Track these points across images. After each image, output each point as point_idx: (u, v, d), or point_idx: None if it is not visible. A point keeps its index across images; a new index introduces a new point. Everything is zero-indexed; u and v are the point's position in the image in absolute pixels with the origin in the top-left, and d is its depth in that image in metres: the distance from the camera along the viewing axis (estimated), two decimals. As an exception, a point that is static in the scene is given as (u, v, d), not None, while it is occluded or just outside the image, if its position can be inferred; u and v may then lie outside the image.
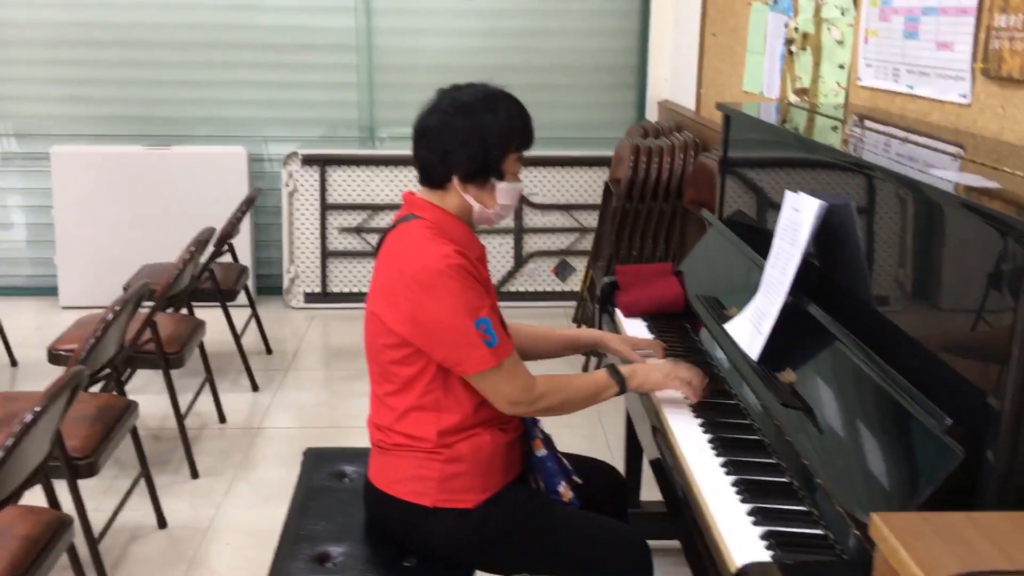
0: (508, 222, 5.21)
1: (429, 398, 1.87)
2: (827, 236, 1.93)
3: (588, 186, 5.23)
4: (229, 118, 5.27)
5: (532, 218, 5.25)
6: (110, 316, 2.46)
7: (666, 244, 4.23)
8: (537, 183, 5.22)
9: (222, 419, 3.75)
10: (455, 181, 1.88)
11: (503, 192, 1.91)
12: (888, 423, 1.51)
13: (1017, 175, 1.59)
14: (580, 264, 5.26)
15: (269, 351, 4.51)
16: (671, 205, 4.14)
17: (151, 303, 3.20)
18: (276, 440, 3.62)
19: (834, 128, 2.40)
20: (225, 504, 3.13)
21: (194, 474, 3.31)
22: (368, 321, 1.92)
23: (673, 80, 5.03)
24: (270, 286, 5.30)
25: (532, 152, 5.80)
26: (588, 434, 3.63)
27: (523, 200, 5.18)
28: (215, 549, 2.89)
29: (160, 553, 2.86)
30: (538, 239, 5.28)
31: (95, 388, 2.97)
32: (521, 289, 5.30)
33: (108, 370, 2.84)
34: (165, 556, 2.85)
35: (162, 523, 2.99)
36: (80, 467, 2.46)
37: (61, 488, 2.36)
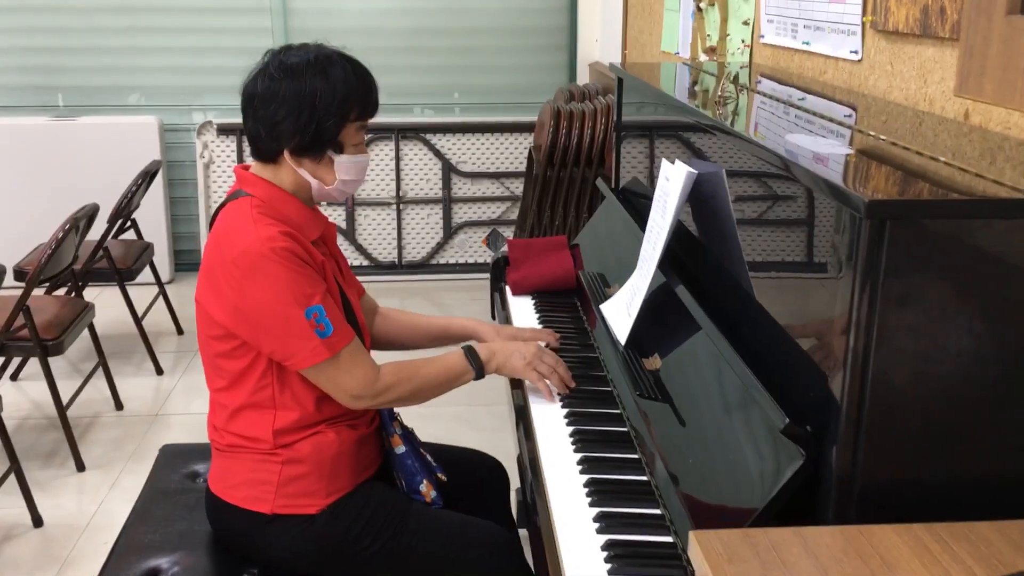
0: (436, 192, 5.02)
1: (263, 395, 1.70)
2: (701, 207, 1.77)
3: (518, 153, 5.05)
4: (139, 86, 5.03)
5: (461, 187, 5.06)
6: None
7: (589, 214, 4.06)
8: (465, 150, 5.02)
9: (118, 406, 3.56)
10: (286, 155, 1.69)
11: (343, 166, 1.72)
12: (739, 419, 1.35)
13: (880, 141, 1.43)
14: (512, 234, 5.08)
15: (180, 331, 4.30)
16: (593, 172, 3.97)
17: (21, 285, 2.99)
18: (175, 427, 3.44)
19: (720, 91, 2.23)
20: (109, 499, 2.95)
21: (80, 467, 3.12)
22: (197, 310, 1.74)
23: (603, 41, 4.84)
24: (190, 262, 5.09)
25: (460, 118, 5.65)
26: (493, 421, 3.48)
27: (451, 168, 5.00)
28: (91, 548, 2.71)
29: (31, 554, 2.69)
30: (468, 208, 5.10)
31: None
32: (451, 261, 5.12)
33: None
34: (37, 557, 2.67)
35: (37, 521, 2.81)
36: (-78, 469, 2.27)
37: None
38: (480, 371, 1.82)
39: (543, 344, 1.98)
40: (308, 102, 1.65)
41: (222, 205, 1.75)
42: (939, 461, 1.13)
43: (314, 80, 1.65)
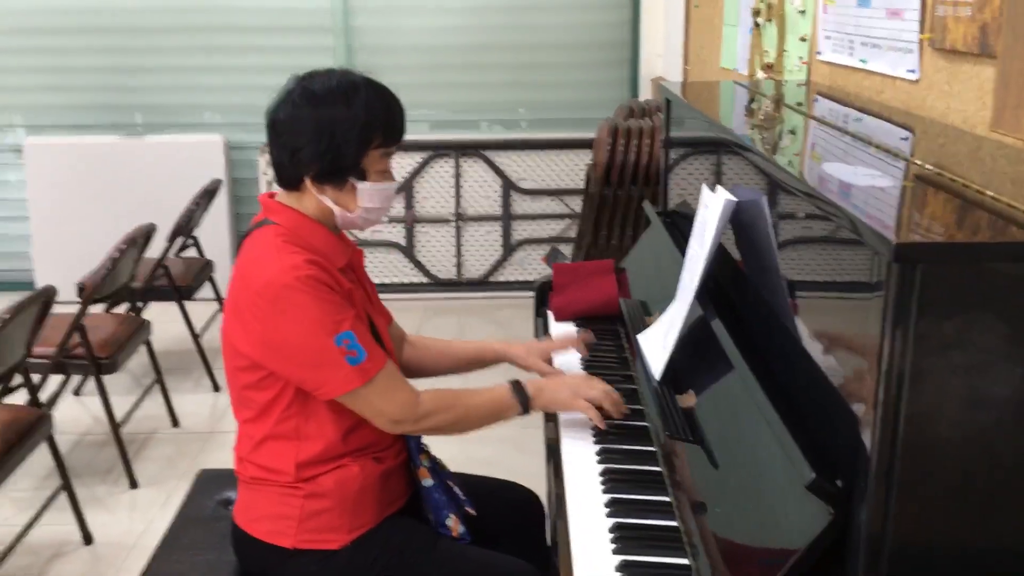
0: (496, 209, 4.99)
1: (287, 425, 1.67)
2: (742, 236, 1.69)
3: (579, 170, 4.98)
4: (206, 105, 5.11)
5: (521, 204, 5.02)
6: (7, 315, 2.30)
7: (646, 232, 3.97)
8: (526, 168, 4.98)
9: (175, 423, 3.60)
10: (308, 182, 1.66)
11: (366, 194, 1.68)
12: (768, 469, 1.27)
13: (930, 170, 1.34)
14: (571, 252, 5.02)
15: (240, 348, 4.33)
16: (651, 191, 3.88)
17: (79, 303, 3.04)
18: (228, 445, 3.41)
19: (770, 113, 2.14)
20: (159, 518, 2.97)
21: (132, 484, 3.16)
22: (223, 341, 1.72)
23: (665, 56, 4.75)
24: (253, 278, 5.13)
25: (520, 135, 5.59)
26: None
27: (511, 185, 4.96)
28: (139, 567, 2.70)
29: (80, 571, 2.71)
30: (527, 226, 5.05)
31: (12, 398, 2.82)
32: (510, 279, 5.08)
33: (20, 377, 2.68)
34: (85, 574, 2.70)
35: (88, 538, 2.84)
36: (-29, 488, 2.30)
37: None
38: (526, 406, 1.76)
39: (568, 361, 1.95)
40: (327, 129, 1.62)
41: (247, 233, 1.73)
42: (978, 523, 1.04)
43: (335, 107, 1.63)
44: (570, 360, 2.07)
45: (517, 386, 1.78)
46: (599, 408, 1.75)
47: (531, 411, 1.79)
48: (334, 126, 1.61)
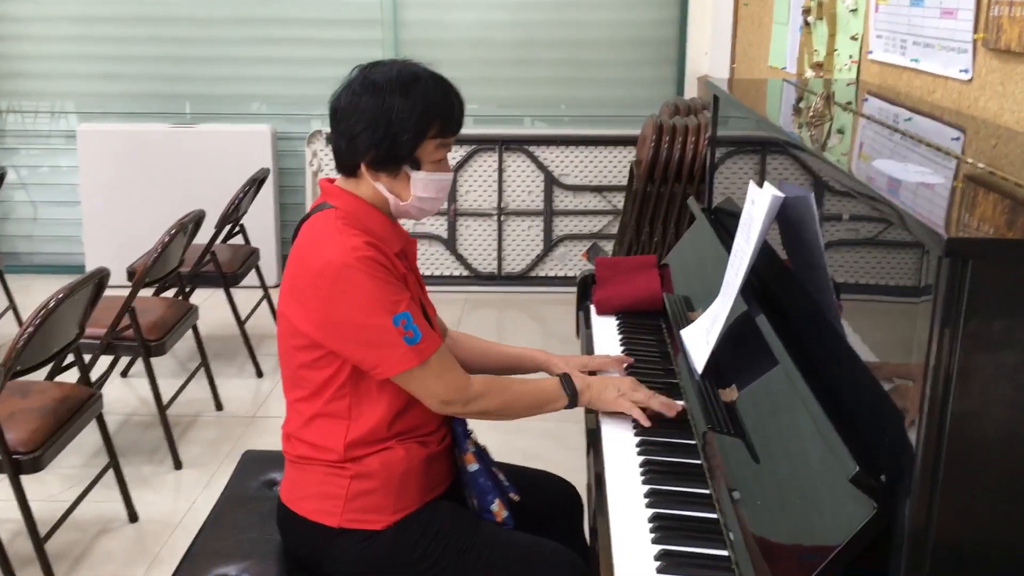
0: (538, 204, 5.01)
1: (338, 404, 1.70)
2: (789, 232, 1.69)
3: (622, 166, 4.98)
4: (255, 95, 5.18)
5: (563, 200, 5.03)
6: (52, 303, 2.36)
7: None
8: (568, 163, 4.99)
9: (219, 406, 3.66)
10: (364, 168, 1.70)
11: (420, 183, 1.71)
12: (811, 462, 1.28)
13: (982, 170, 1.33)
14: (612, 249, 5.02)
15: (283, 335, 4.39)
16: (695, 188, 3.88)
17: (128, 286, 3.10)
18: (270, 430, 3.51)
19: (820, 111, 2.13)
20: (203, 498, 3.03)
21: (177, 465, 3.22)
22: (278, 322, 1.76)
23: (712, 54, 4.73)
24: (297, 267, 5.19)
25: (563, 130, 5.60)
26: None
27: (553, 181, 4.97)
28: (182, 546, 2.76)
29: (125, 548, 2.78)
30: (569, 221, 5.06)
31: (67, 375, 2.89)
32: (551, 274, 5.09)
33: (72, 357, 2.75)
34: (129, 551, 2.76)
35: (133, 517, 2.90)
36: (23, 463, 2.37)
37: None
38: (573, 399, 1.79)
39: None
40: (385, 117, 1.65)
41: (305, 218, 1.76)
42: (1022, 521, 1.04)
43: (393, 96, 1.65)
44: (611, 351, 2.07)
45: (566, 379, 1.81)
46: (644, 409, 1.76)
47: (577, 405, 1.81)
48: (391, 114, 1.64)
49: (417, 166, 1.70)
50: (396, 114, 1.65)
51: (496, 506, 1.81)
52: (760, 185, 1.67)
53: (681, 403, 1.77)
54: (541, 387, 1.80)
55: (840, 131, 1.92)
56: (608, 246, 5.02)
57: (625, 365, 1.99)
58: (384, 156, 1.67)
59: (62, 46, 5.09)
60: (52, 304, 2.36)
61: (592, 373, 1.96)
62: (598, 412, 1.82)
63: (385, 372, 1.65)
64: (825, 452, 1.21)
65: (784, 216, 1.66)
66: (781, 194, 1.62)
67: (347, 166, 1.72)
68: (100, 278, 2.66)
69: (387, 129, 1.65)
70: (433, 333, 1.69)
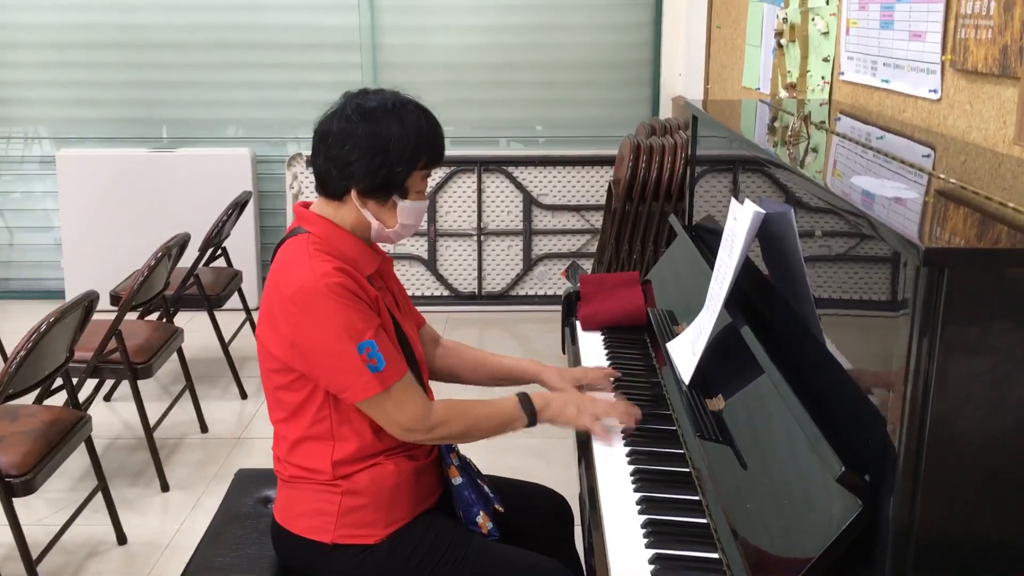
0: (517, 224, 5.07)
1: (321, 427, 1.73)
2: (770, 247, 1.76)
3: (599, 186, 5.06)
4: (234, 119, 5.22)
5: (542, 219, 5.10)
6: (43, 327, 2.38)
7: (666, 248, 4.03)
8: (547, 183, 5.06)
9: (204, 428, 3.67)
10: (353, 195, 1.74)
11: (405, 211, 1.76)
12: (798, 465, 1.33)
13: (952, 184, 1.40)
14: (591, 267, 5.08)
15: (265, 357, 4.41)
16: (672, 207, 3.95)
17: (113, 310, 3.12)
18: (255, 451, 3.53)
19: (796, 130, 2.21)
20: (190, 519, 3.04)
21: (164, 487, 3.23)
22: (257, 345, 1.79)
23: (686, 75, 4.83)
24: (277, 289, 5.21)
25: (542, 151, 5.63)
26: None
27: (532, 200, 5.04)
28: (172, 567, 2.79)
29: (114, 570, 2.78)
30: (548, 241, 5.12)
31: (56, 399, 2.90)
32: (530, 293, 5.15)
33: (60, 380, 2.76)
34: (119, 574, 2.77)
35: (122, 539, 2.91)
36: (15, 485, 2.38)
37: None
38: (532, 418, 1.82)
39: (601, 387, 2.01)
40: (382, 146, 1.69)
41: (281, 242, 1.80)
42: (1000, 518, 1.10)
43: (390, 126, 1.70)
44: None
45: (524, 399, 1.84)
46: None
47: (537, 423, 1.84)
48: (388, 144, 1.69)
49: (404, 195, 1.75)
50: (393, 144, 1.69)
51: (481, 518, 1.85)
52: (743, 202, 1.74)
53: (639, 412, 1.82)
54: (501, 408, 1.83)
55: (815, 149, 1.99)
56: (587, 264, 5.08)
57: (613, 379, 2.04)
58: (379, 184, 1.71)
59: (38, 72, 5.10)
60: (44, 327, 2.38)
61: (582, 388, 2.01)
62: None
63: (351, 397, 1.69)
64: (811, 454, 1.27)
65: (765, 231, 1.73)
66: (762, 210, 1.69)
67: (334, 191, 1.74)
68: (89, 302, 2.68)
69: (384, 158, 1.69)
70: (400, 362, 1.71)
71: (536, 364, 2.08)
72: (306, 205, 1.80)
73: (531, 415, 1.81)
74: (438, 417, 1.73)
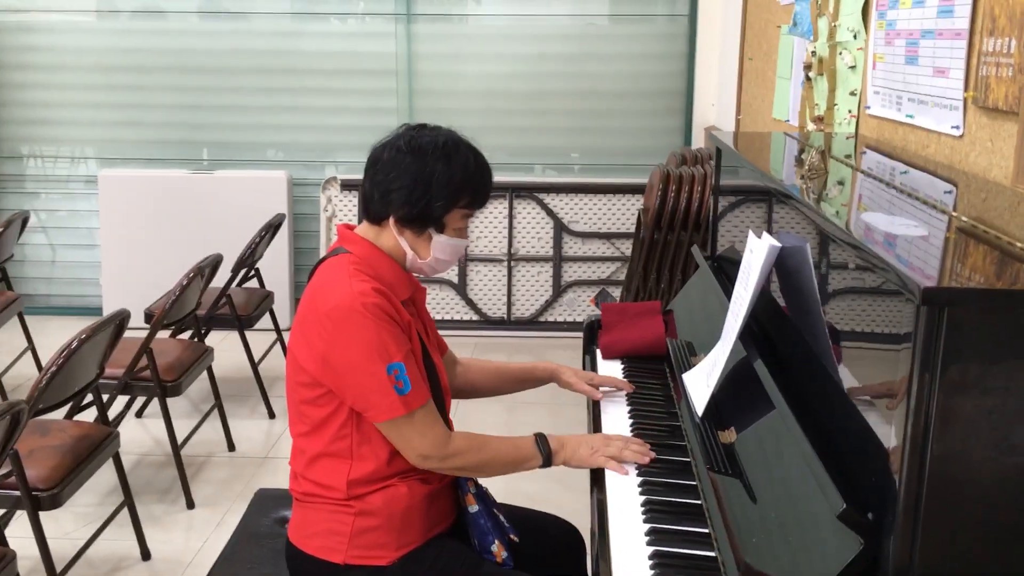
0: (547, 250, 5.09)
1: (341, 444, 1.76)
2: (786, 281, 1.76)
3: (630, 215, 5.07)
4: (272, 143, 5.31)
5: (572, 246, 5.11)
6: (74, 344, 2.43)
7: (696, 277, 4.03)
8: (578, 210, 5.08)
9: (231, 447, 3.72)
10: (391, 221, 1.78)
11: (439, 246, 1.80)
12: (803, 501, 1.33)
13: (966, 222, 1.40)
14: (620, 295, 5.08)
15: (295, 377, 4.46)
16: (701, 237, 3.95)
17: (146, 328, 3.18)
18: (281, 470, 3.56)
19: (818, 164, 2.21)
20: (214, 537, 3.08)
21: (190, 504, 3.27)
22: (287, 357, 1.83)
23: (719, 106, 4.84)
24: (309, 311, 5.27)
25: (573, 178, 5.67)
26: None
27: (562, 227, 5.06)
28: (193, 584, 2.83)
29: (137, 586, 2.82)
30: (578, 268, 5.14)
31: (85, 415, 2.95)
32: (559, 319, 5.16)
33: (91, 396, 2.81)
34: (142, 589, 2.81)
35: (146, 554, 2.95)
36: (42, 499, 2.42)
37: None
38: (548, 459, 1.84)
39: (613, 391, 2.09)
40: (424, 180, 1.74)
41: (322, 260, 1.84)
42: (1002, 557, 1.09)
43: (436, 163, 1.75)
44: (617, 406, 2.13)
45: (541, 439, 1.86)
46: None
47: (552, 464, 1.86)
48: (431, 179, 1.74)
49: (441, 229, 1.78)
50: (435, 180, 1.74)
51: (496, 547, 1.85)
52: (760, 235, 1.74)
53: (652, 453, 1.82)
54: (517, 445, 1.85)
55: (840, 183, 2.00)
56: (616, 292, 5.09)
57: (626, 392, 2.11)
58: (415, 216, 1.76)
59: (84, 94, 5.23)
60: (75, 344, 2.44)
61: (597, 387, 2.11)
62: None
63: (375, 417, 1.71)
64: (815, 490, 1.27)
65: (782, 264, 1.73)
66: (778, 244, 1.69)
67: (375, 214, 1.80)
68: (120, 320, 2.74)
69: (424, 192, 1.74)
70: (424, 388, 1.74)
71: (551, 363, 2.15)
72: (350, 227, 1.85)
73: (546, 456, 1.83)
74: (455, 447, 1.75)
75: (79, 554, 2.73)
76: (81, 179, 5.34)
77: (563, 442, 1.86)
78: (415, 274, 1.88)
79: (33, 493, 2.41)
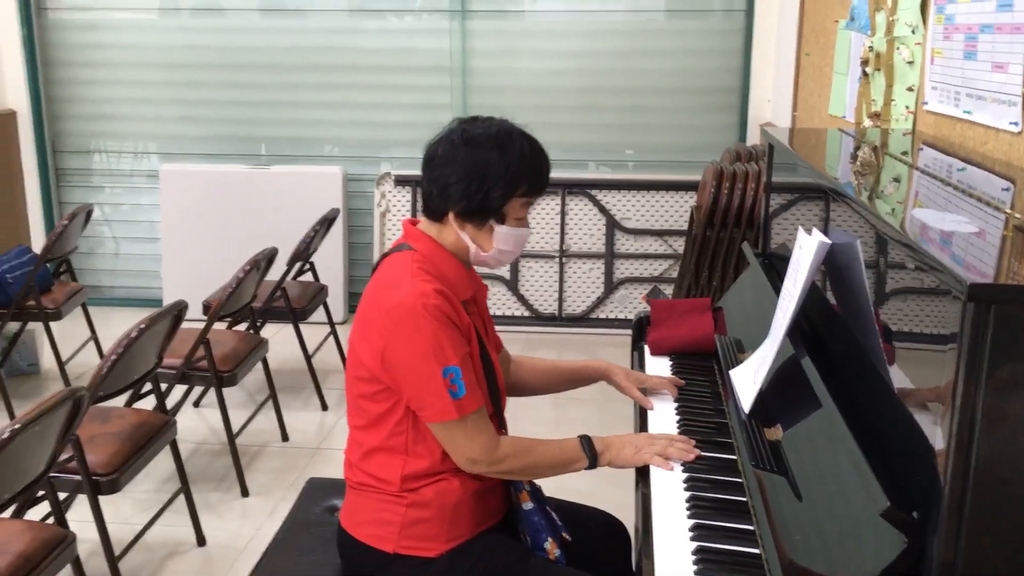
0: (599, 247, 5.09)
1: (397, 440, 1.78)
2: (837, 277, 1.74)
3: (683, 211, 5.04)
4: (328, 138, 5.37)
5: (624, 243, 5.10)
6: (134, 333, 2.50)
7: (748, 275, 4.00)
8: (630, 207, 5.07)
9: (284, 437, 3.79)
10: (451, 217, 1.79)
11: (501, 237, 1.80)
12: (848, 499, 1.32)
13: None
14: (672, 292, 5.06)
15: (348, 370, 4.52)
16: (754, 234, 3.92)
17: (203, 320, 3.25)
18: (333, 461, 3.62)
19: (866, 162, 2.18)
20: (267, 525, 3.14)
21: (244, 492, 3.34)
22: (348, 351, 1.86)
23: (775, 102, 4.79)
24: (363, 305, 5.34)
25: (626, 175, 5.65)
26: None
27: (615, 224, 5.05)
28: (247, 569, 2.87)
29: (193, 571, 2.89)
30: (630, 265, 5.12)
31: (143, 403, 3.03)
32: (611, 316, 5.15)
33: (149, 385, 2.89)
34: (196, 574, 2.87)
35: (201, 540, 3.02)
36: (102, 484, 2.50)
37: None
38: (593, 461, 1.85)
39: (665, 394, 2.10)
40: (480, 171, 1.75)
41: (386, 254, 1.87)
42: (1048, 559, 1.07)
43: (491, 152, 1.75)
44: (665, 403, 2.12)
45: (586, 441, 1.87)
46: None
47: (598, 466, 1.87)
48: (487, 169, 1.74)
49: (502, 220, 1.79)
50: (491, 170, 1.74)
51: (549, 544, 1.87)
52: (810, 232, 1.73)
53: (697, 451, 1.82)
54: (563, 447, 1.86)
55: (896, 180, 1.97)
56: (668, 289, 5.06)
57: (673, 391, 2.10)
58: (474, 208, 1.76)
59: (147, 90, 5.35)
60: (135, 334, 2.50)
61: (644, 391, 2.11)
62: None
63: (429, 417, 1.73)
64: (860, 488, 1.26)
65: (832, 261, 1.71)
66: (828, 240, 1.68)
67: (435, 211, 1.81)
68: (179, 311, 2.80)
69: (481, 183, 1.75)
70: (477, 393, 1.75)
71: (603, 362, 2.16)
72: (414, 223, 1.87)
73: (592, 458, 1.84)
74: (504, 452, 1.77)
75: (137, 538, 2.81)
76: (143, 173, 5.47)
77: (608, 443, 1.86)
78: (480, 268, 1.89)
79: (93, 478, 2.48)
